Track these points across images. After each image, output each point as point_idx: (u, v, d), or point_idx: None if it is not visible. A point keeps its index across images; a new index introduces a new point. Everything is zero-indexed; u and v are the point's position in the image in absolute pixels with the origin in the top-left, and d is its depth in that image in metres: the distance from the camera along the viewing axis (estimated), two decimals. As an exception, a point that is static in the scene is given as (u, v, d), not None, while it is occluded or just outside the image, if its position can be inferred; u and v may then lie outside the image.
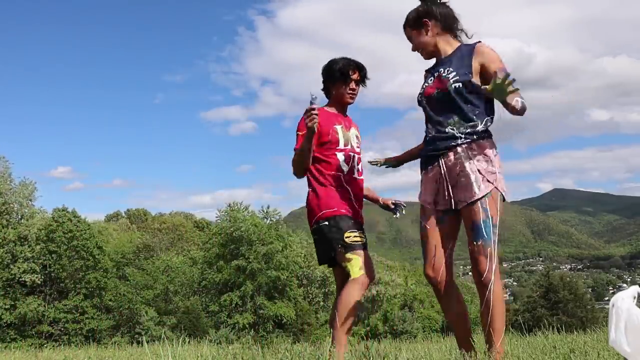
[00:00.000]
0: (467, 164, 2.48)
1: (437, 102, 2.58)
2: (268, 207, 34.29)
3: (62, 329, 26.14)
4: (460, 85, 2.50)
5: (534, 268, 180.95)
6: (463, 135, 2.51)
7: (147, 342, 3.71)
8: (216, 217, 34.52)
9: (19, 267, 25.55)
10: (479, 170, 2.47)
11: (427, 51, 2.71)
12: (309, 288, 36.41)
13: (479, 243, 2.42)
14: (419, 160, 2.80)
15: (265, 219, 33.63)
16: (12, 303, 25.52)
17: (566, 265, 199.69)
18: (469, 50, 2.58)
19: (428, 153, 2.62)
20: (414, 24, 2.71)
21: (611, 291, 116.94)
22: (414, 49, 2.76)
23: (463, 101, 2.51)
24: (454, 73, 2.53)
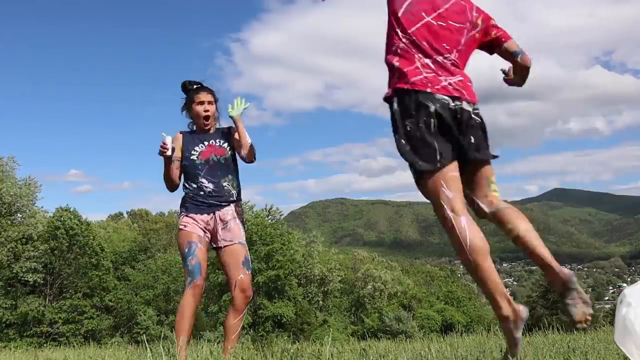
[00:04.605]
0: (236, 217, 3.25)
1: (215, 165, 3.26)
2: (271, 207, 35.30)
3: (62, 329, 26.10)
4: (231, 153, 3.30)
5: (534, 268, 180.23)
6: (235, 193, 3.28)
7: (147, 341, 3.68)
8: None
9: (21, 267, 25.50)
10: (241, 222, 3.29)
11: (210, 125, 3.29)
12: (307, 287, 36.44)
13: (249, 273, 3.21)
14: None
15: (268, 218, 34.21)
16: (13, 302, 25.48)
17: (566, 265, 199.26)
18: (227, 129, 3.33)
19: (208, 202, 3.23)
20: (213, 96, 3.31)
21: (611, 291, 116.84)
22: (208, 117, 3.27)
23: (233, 167, 3.31)
24: (226, 144, 3.29)
